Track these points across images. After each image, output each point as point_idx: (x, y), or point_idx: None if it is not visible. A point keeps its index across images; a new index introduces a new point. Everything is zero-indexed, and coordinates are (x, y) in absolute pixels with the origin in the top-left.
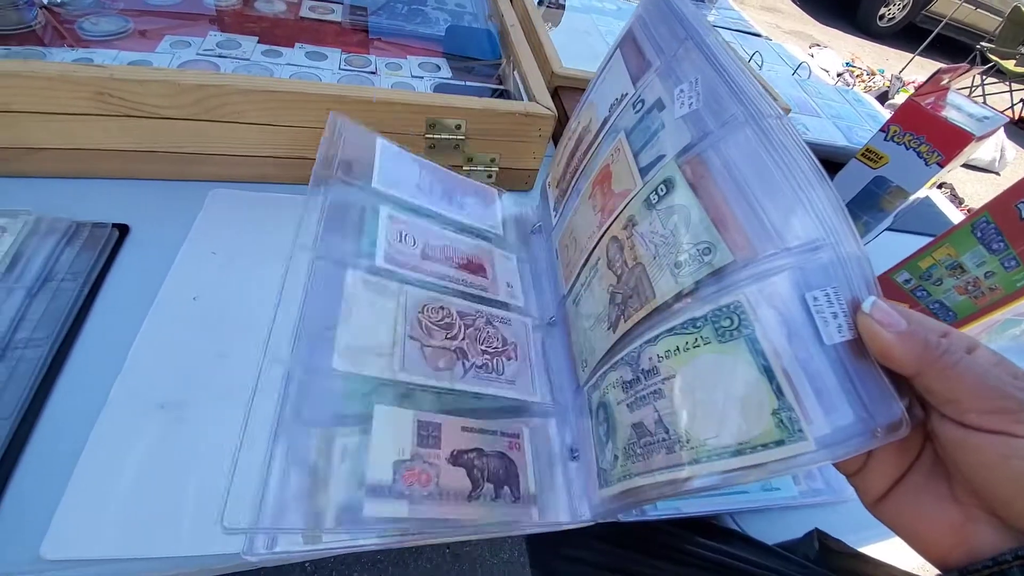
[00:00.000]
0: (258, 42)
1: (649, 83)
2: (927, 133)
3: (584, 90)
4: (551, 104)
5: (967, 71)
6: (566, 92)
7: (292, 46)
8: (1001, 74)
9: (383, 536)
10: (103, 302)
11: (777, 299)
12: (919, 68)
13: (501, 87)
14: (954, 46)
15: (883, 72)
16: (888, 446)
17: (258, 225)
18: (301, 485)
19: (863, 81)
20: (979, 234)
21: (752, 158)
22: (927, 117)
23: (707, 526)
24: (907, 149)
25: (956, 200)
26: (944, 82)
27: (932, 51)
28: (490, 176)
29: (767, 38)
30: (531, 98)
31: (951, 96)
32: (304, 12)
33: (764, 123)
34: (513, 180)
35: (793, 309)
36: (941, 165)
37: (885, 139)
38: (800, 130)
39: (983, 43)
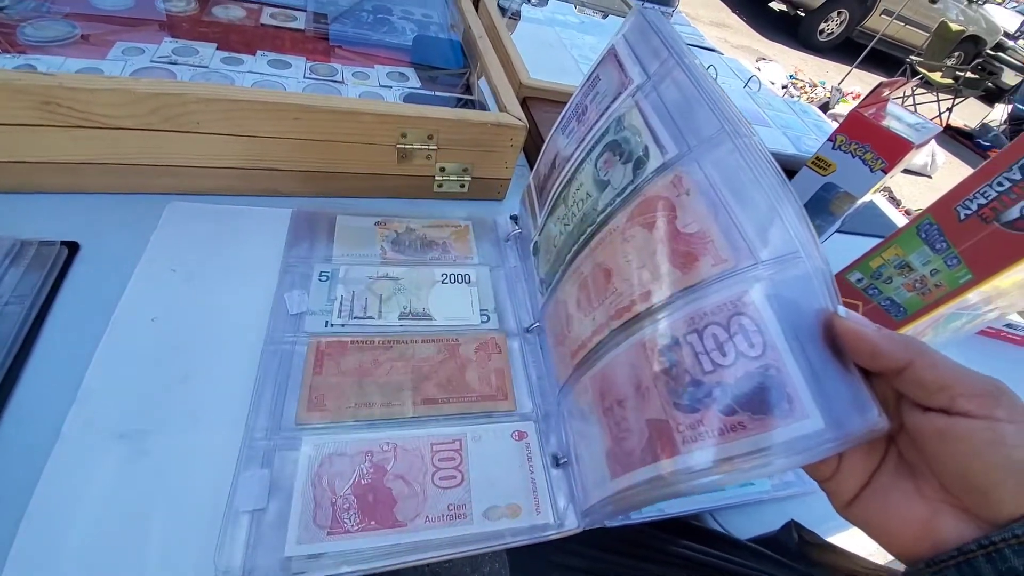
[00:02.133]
0: (217, 49)
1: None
2: (872, 142)
3: (552, 100)
4: (522, 114)
5: (903, 84)
6: (534, 103)
7: (253, 53)
8: (929, 85)
9: (371, 561)
10: (53, 326)
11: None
12: (856, 80)
13: (468, 97)
14: (887, 59)
15: (824, 84)
16: (857, 449)
17: (220, 239)
18: None
19: (805, 92)
20: (923, 235)
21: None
22: (871, 127)
23: (689, 527)
24: (853, 157)
25: (894, 202)
26: (884, 94)
27: (867, 64)
28: (463, 186)
29: (720, 52)
30: (502, 108)
31: (890, 107)
32: (265, 19)
33: (741, 141)
34: (485, 189)
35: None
36: (885, 171)
37: (833, 148)
38: None
39: (912, 57)
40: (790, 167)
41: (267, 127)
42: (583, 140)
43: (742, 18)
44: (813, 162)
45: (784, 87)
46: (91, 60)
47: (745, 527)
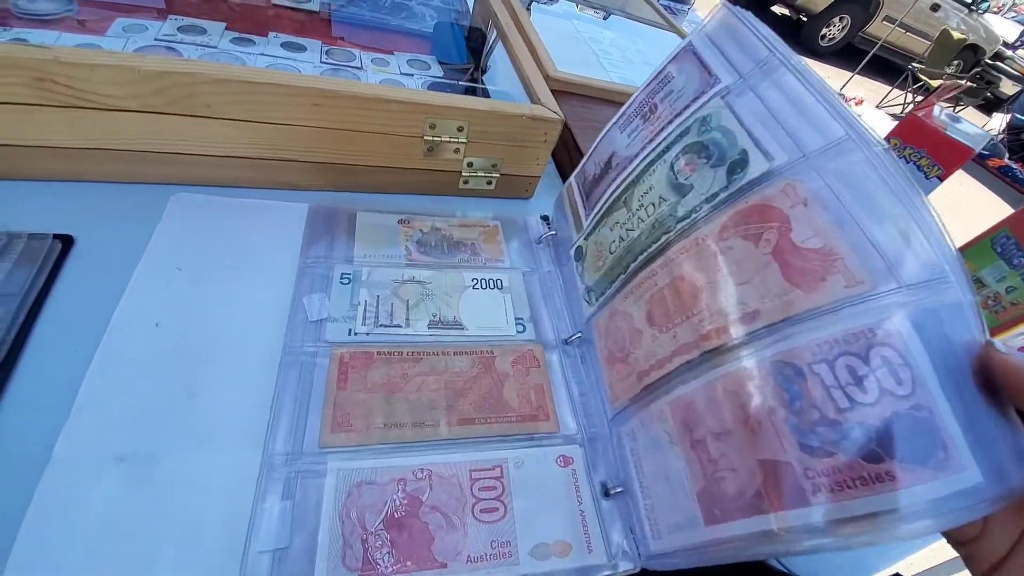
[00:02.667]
0: (226, 28)
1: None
2: (928, 147)
3: (579, 95)
4: (557, 107)
5: (959, 88)
6: (561, 96)
7: (265, 35)
8: (928, 92)
9: None
10: (43, 331)
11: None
12: (857, 86)
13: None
14: (888, 66)
15: None
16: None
17: (230, 235)
18: None
19: None
20: (999, 249)
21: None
22: (929, 132)
23: (754, 568)
24: (908, 162)
25: None
26: (933, 102)
27: (868, 70)
28: (490, 183)
29: None
30: (535, 100)
31: (937, 112)
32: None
33: (872, 150)
34: (514, 187)
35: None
36: (941, 179)
37: None
38: None
39: (914, 63)
40: None
41: (284, 113)
42: (653, 140)
43: None
44: None
45: None
46: (89, 36)
47: (810, 570)
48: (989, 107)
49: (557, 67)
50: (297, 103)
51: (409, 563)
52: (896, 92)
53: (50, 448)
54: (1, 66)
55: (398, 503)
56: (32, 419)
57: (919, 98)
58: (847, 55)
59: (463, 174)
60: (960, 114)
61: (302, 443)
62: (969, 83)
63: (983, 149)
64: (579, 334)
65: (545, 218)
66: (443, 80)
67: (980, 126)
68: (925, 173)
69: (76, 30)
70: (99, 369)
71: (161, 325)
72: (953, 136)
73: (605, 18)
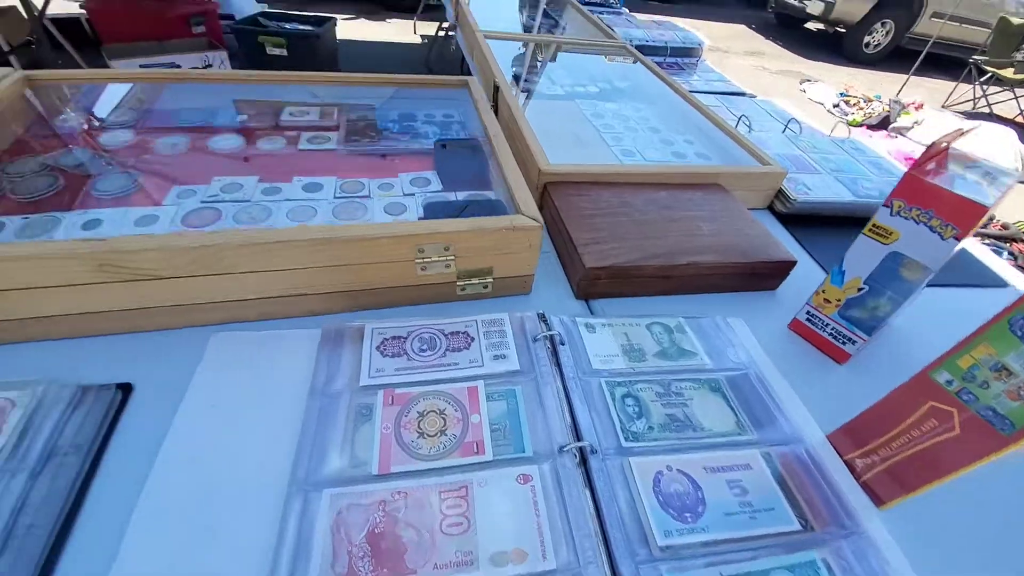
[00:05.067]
0: (259, 181)
1: None
2: (935, 207)
3: (574, 182)
4: (538, 215)
5: (961, 134)
6: (556, 187)
7: (290, 180)
8: (1000, 83)
9: None
10: (104, 475)
11: None
12: (915, 88)
13: (487, 194)
14: (945, 62)
15: (879, 97)
16: None
17: (259, 366)
18: None
19: (861, 109)
20: (1019, 332)
21: None
22: (931, 191)
23: None
24: (917, 224)
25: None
26: (943, 145)
27: (924, 69)
28: (486, 287)
29: (751, 95)
30: (517, 210)
31: (952, 153)
32: (303, 144)
33: None
34: (510, 287)
35: None
36: (958, 238)
37: (891, 214)
38: (800, 190)
39: (976, 56)
40: (854, 216)
41: (293, 261)
42: None
43: (777, 43)
44: (870, 230)
45: (835, 106)
46: (149, 208)
47: None
48: None
49: (550, 160)
50: (304, 251)
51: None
52: (964, 87)
53: None
54: (68, 259)
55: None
56: (91, 557)
57: (991, 90)
58: (898, 58)
59: (458, 283)
60: None
61: None
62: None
63: None
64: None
65: (542, 315)
66: (441, 194)
67: None
68: (940, 234)
69: (141, 203)
70: (143, 509)
71: (195, 460)
72: (962, 193)
73: (610, 60)
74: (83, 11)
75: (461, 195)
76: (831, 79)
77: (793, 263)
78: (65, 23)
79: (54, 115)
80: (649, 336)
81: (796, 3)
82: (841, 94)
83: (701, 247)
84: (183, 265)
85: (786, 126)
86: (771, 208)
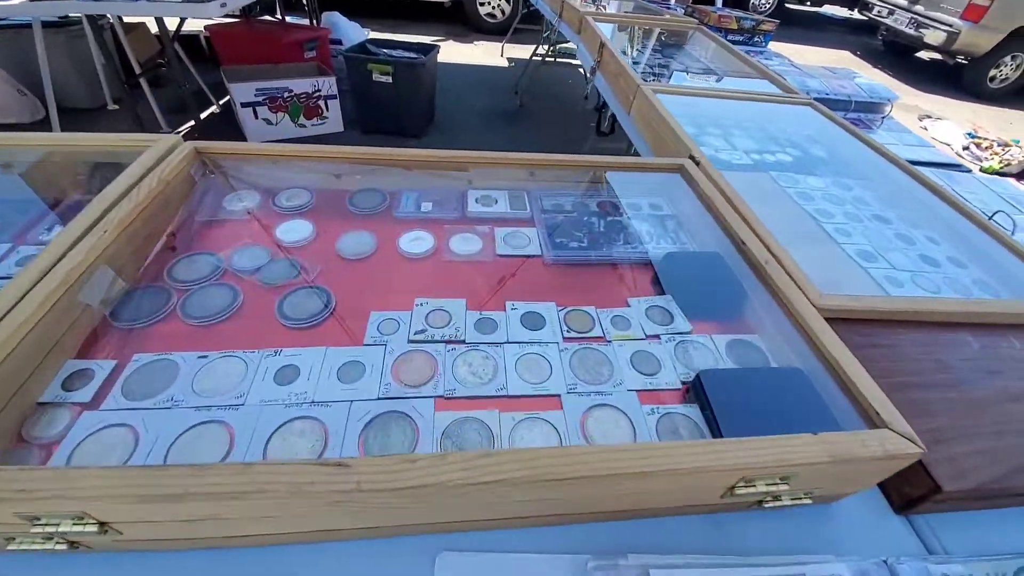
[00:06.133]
0: (467, 308)
1: None
2: None
3: (854, 321)
4: (908, 428)
5: None
6: (840, 325)
7: (503, 307)
8: None
9: None
10: None
11: None
12: None
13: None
14: None
15: (1018, 142)
16: None
17: None
18: None
19: (995, 154)
20: None
21: None
22: None
23: None
24: None
25: None
26: None
27: None
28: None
29: (967, 170)
30: (876, 422)
31: None
32: (501, 248)
33: None
34: (820, 498)
35: None
36: None
37: None
38: None
39: None
40: None
41: (563, 491)
42: None
43: (886, 72)
44: None
45: (965, 148)
46: (351, 350)
47: None
48: None
49: (821, 291)
50: (587, 486)
51: None
52: None
53: None
54: (309, 498)
55: None
56: None
57: None
58: None
59: (765, 504)
60: None
61: None
62: None
63: None
64: None
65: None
66: (694, 338)
67: None
68: None
69: (336, 336)
70: None
71: None
72: None
73: (719, 80)
74: (202, 29)
75: (719, 340)
76: (953, 115)
77: None
78: (184, 39)
79: (222, 194)
80: None
81: (912, 32)
82: (969, 134)
83: None
84: (411, 500)
85: (991, 217)
86: None
